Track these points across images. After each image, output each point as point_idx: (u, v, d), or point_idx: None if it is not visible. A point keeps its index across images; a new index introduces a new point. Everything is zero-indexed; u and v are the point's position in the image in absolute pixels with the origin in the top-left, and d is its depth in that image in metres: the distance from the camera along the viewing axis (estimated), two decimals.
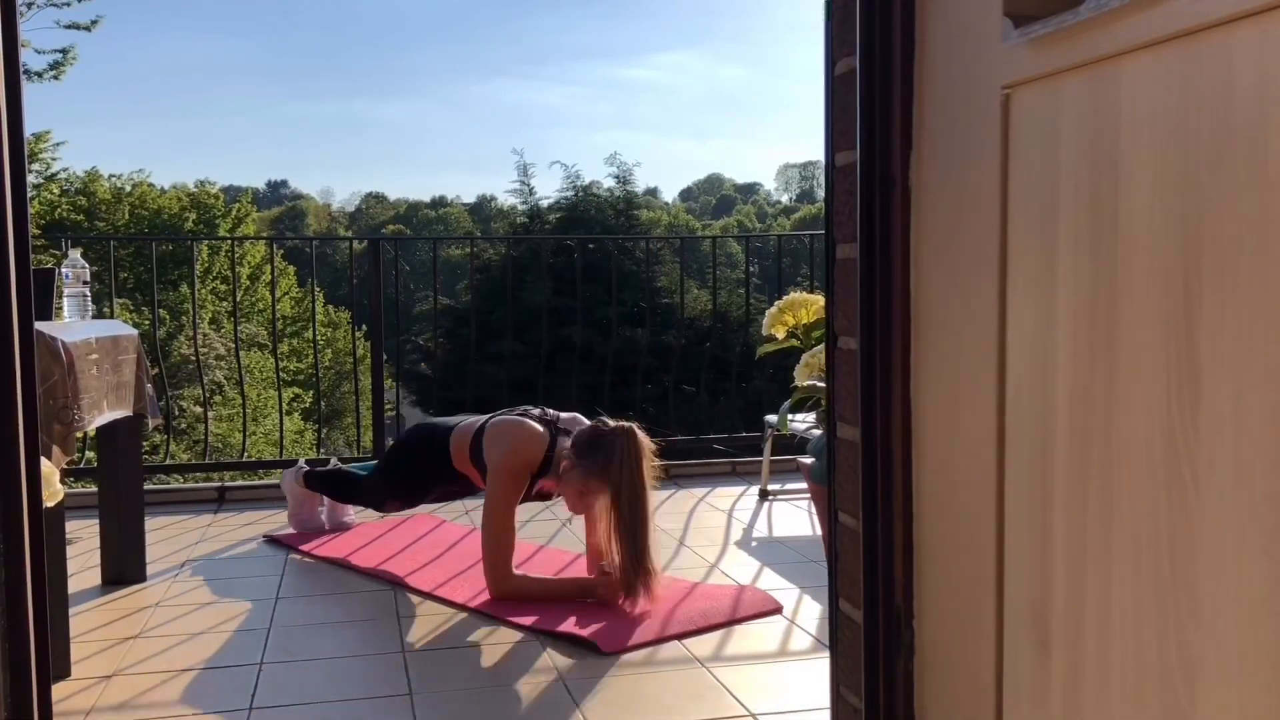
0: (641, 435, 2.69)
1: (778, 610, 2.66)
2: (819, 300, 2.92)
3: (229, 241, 21.66)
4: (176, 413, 14.95)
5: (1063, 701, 1.01)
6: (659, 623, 2.53)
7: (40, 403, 1.56)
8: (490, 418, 2.97)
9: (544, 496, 2.98)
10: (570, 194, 17.05)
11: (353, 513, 3.66)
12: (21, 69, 1.35)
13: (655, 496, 2.69)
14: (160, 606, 2.77)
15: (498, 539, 2.73)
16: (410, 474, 3.18)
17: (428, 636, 2.52)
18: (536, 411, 2.95)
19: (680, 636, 2.48)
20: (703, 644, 2.44)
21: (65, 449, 2.25)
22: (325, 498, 3.55)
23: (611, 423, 2.73)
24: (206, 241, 21.73)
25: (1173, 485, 0.85)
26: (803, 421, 3.32)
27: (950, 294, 1.19)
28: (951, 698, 1.22)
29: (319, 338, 7.98)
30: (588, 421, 2.85)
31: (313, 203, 68.53)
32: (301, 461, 3.71)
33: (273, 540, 3.44)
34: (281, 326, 21.76)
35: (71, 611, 2.46)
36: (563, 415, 2.93)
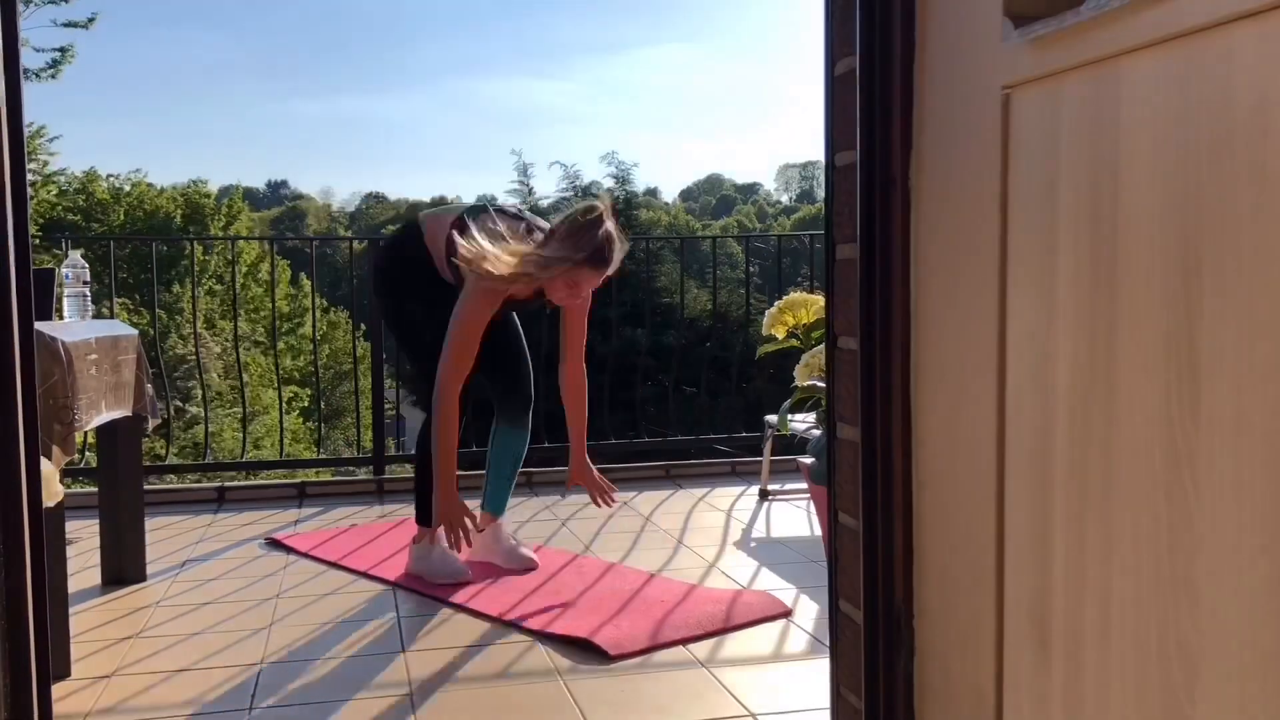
0: (615, 226, 2.79)
1: (787, 614, 2.63)
2: (819, 300, 2.92)
3: (226, 241, 21.68)
4: (173, 413, 14.94)
5: (1063, 702, 1.01)
6: (667, 627, 2.51)
7: (40, 403, 1.56)
8: (467, 210, 2.94)
9: (515, 301, 2.95)
10: (570, 194, 17.05)
11: (526, 547, 3.14)
12: (22, 69, 1.35)
13: None
14: (160, 606, 2.77)
15: (460, 348, 2.77)
16: (405, 306, 3.01)
17: (428, 636, 2.52)
18: (511, 210, 2.98)
19: (686, 641, 2.44)
20: (702, 644, 2.44)
21: (65, 449, 2.24)
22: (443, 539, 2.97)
23: (584, 211, 2.79)
24: (201, 241, 21.76)
25: (1172, 485, 0.85)
26: (803, 421, 3.32)
27: (950, 294, 1.19)
28: (952, 698, 1.22)
29: (316, 335, 7.96)
30: (538, 222, 2.95)
31: (313, 203, 68.53)
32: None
33: (273, 542, 3.44)
34: (278, 325, 21.77)
35: (71, 611, 2.46)
36: (526, 212, 3.00)
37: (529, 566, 3.03)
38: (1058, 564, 1.01)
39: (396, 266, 3.06)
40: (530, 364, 3.19)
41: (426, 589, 2.88)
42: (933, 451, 1.25)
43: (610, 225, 2.76)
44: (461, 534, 2.79)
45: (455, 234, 2.84)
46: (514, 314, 3.16)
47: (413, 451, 3.16)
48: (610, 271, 2.81)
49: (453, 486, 2.80)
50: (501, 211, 2.94)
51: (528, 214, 3.00)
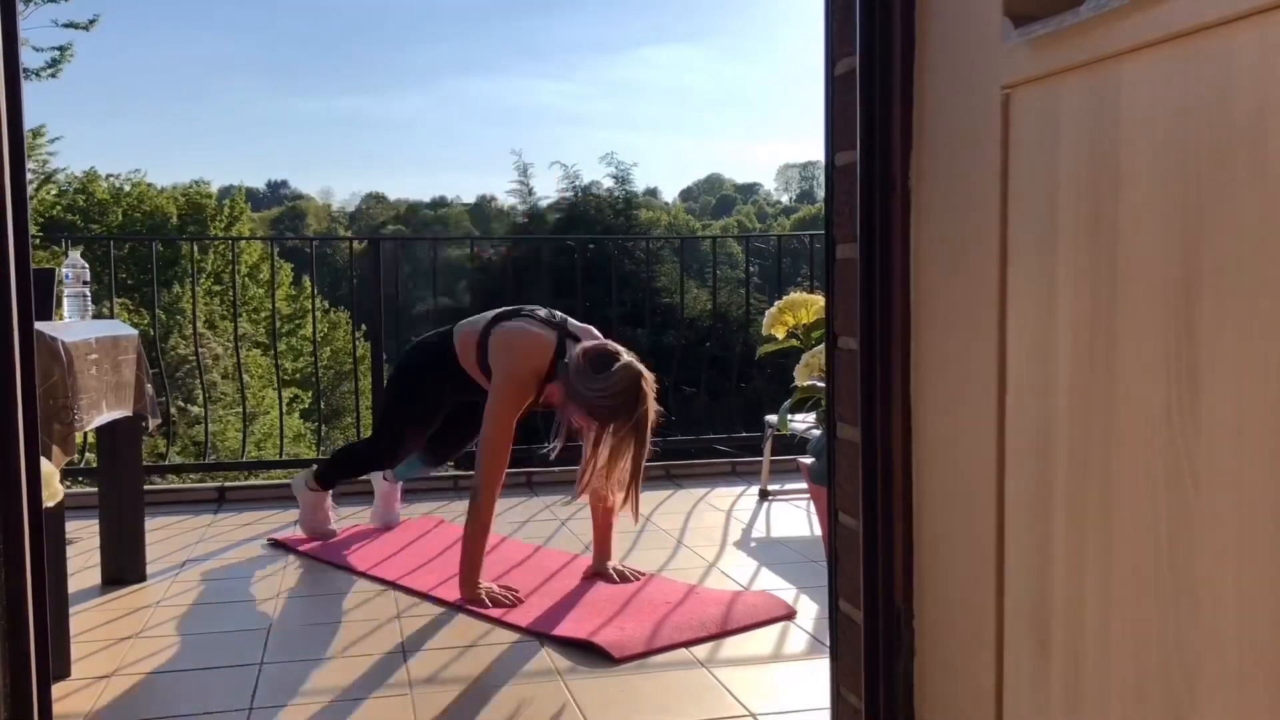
0: (647, 383, 2.67)
1: (791, 616, 2.62)
2: (819, 300, 2.92)
3: (226, 241, 21.69)
4: (176, 413, 14.96)
5: (1063, 702, 1.01)
6: (669, 628, 2.50)
7: (40, 403, 1.56)
8: (495, 316, 2.98)
9: (549, 406, 2.95)
10: (570, 194, 17.05)
11: (400, 509, 3.63)
12: (21, 69, 1.35)
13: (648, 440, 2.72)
14: (160, 606, 2.77)
15: (495, 445, 2.78)
16: (418, 384, 3.14)
17: (428, 636, 2.52)
18: (543, 313, 2.96)
19: (690, 644, 2.43)
20: (702, 644, 2.44)
21: (65, 449, 2.24)
22: (332, 502, 3.51)
23: (622, 353, 2.70)
24: (200, 241, 21.76)
25: (1173, 485, 0.85)
26: (803, 421, 3.32)
27: (950, 294, 1.19)
28: (952, 698, 1.22)
29: (317, 336, 7.93)
30: (599, 335, 2.88)
31: (313, 203, 68.62)
32: (313, 466, 3.66)
33: (276, 543, 3.44)
34: (278, 325, 21.78)
35: (71, 611, 2.46)
36: (572, 321, 2.95)
37: (390, 525, 3.48)
38: (1058, 564, 1.01)
39: (422, 356, 3.16)
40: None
41: (412, 581, 2.96)
42: (932, 451, 1.25)
43: (634, 389, 2.65)
44: (510, 597, 2.74)
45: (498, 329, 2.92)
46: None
47: None
48: (610, 427, 2.68)
49: (478, 571, 2.78)
50: (533, 316, 2.96)
51: (558, 314, 2.99)
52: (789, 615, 2.61)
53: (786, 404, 2.90)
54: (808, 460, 2.98)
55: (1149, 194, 0.87)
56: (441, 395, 3.14)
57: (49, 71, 17.14)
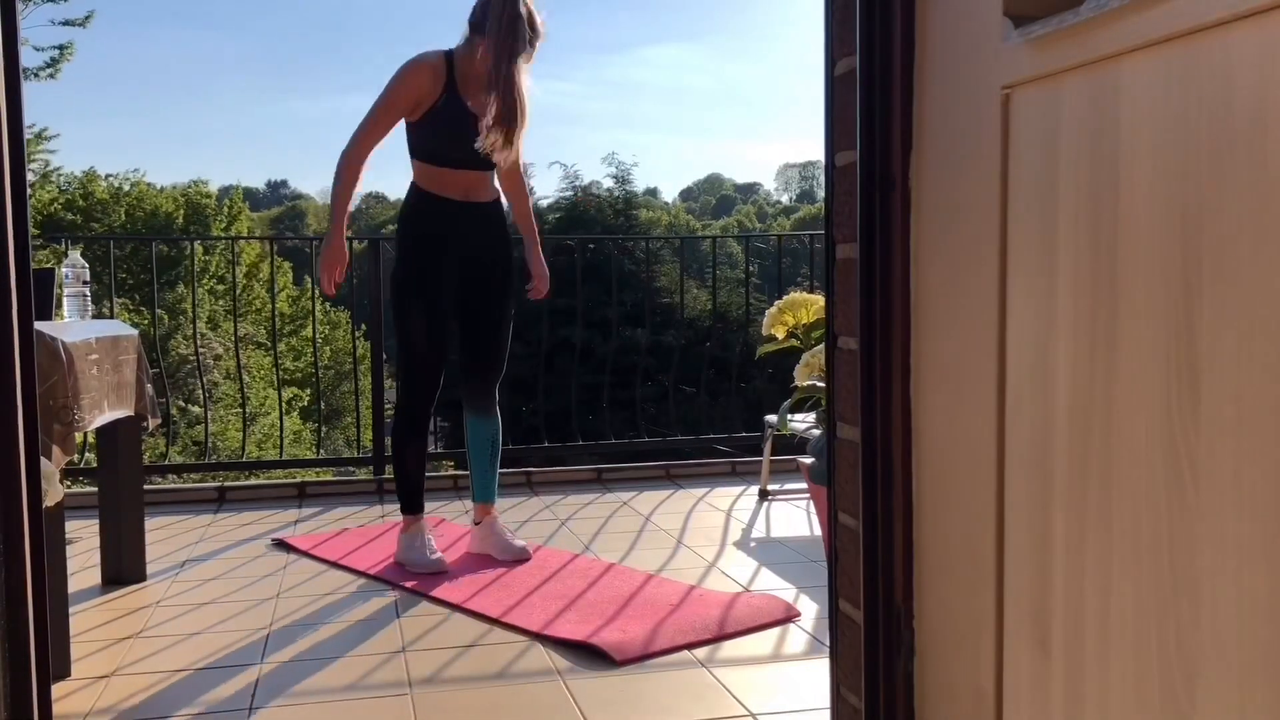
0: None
1: (792, 618, 2.61)
2: (819, 300, 2.92)
3: (226, 241, 21.70)
4: (177, 413, 14.97)
5: (1063, 702, 1.01)
6: (671, 630, 2.50)
7: (40, 403, 1.56)
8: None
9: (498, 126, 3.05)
10: (570, 194, 17.07)
11: (519, 539, 3.23)
12: (21, 69, 1.35)
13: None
14: (160, 606, 2.77)
15: (364, 120, 3.06)
16: (408, 271, 3.12)
17: (428, 636, 2.52)
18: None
19: (692, 645, 2.42)
20: (702, 646, 2.44)
21: (65, 449, 2.24)
22: (428, 536, 3.11)
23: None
24: (202, 241, 21.77)
25: (1173, 485, 0.85)
26: (803, 421, 3.32)
27: (950, 294, 1.19)
28: (951, 698, 1.22)
29: (317, 336, 7.96)
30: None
31: (312, 203, 68.65)
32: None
33: (279, 543, 3.44)
34: (280, 325, 21.78)
35: (71, 611, 2.46)
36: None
37: (521, 558, 3.14)
38: (1058, 564, 1.01)
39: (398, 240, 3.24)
40: (504, 356, 3.21)
41: (410, 580, 2.95)
42: (933, 451, 1.25)
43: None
44: (330, 277, 3.06)
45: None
46: (507, 302, 3.18)
47: None
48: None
49: (342, 229, 3.11)
50: None
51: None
52: (790, 618, 2.61)
53: (786, 404, 2.91)
54: (808, 460, 2.98)
55: (1149, 194, 0.87)
56: (427, 262, 3.09)
57: (48, 72, 17.13)
